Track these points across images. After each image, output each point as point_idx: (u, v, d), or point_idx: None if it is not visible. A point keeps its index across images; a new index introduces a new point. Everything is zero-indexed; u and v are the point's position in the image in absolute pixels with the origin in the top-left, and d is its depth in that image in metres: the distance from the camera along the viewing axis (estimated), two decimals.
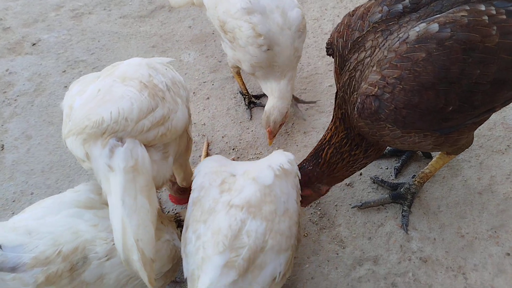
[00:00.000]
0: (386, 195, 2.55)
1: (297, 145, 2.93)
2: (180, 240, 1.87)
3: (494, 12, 1.64)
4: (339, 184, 2.53)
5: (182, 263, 1.81)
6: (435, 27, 1.64)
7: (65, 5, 4.07)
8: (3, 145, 3.04)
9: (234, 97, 3.24)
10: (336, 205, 2.59)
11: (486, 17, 1.63)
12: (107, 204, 1.63)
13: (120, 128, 1.58)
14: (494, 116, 2.51)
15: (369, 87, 1.73)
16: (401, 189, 2.50)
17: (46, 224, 1.66)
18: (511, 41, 1.61)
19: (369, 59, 1.81)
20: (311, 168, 2.14)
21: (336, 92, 2.05)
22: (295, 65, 2.72)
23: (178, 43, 3.68)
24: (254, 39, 2.47)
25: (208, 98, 3.25)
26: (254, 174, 1.84)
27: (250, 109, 3.14)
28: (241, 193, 1.76)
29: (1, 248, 1.55)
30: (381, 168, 2.74)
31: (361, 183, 2.68)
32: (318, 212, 2.57)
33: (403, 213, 2.47)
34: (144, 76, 1.77)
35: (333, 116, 2.08)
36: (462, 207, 2.51)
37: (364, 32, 1.88)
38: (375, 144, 2.06)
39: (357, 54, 1.87)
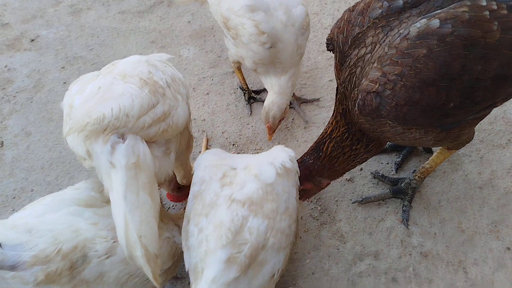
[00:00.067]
0: (387, 190, 2.55)
1: (297, 140, 2.92)
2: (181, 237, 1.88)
3: (495, 7, 1.64)
4: (339, 179, 2.53)
5: (183, 259, 1.82)
6: (436, 23, 1.63)
7: (63, 0, 4.04)
8: (2, 142, 3.04)
9: (234, 93, 3.24)
10: (336, 201, 2.59)
11: (487, 13, 1.62)
12: (107, 202, 1.63)
13: (121, 125, 1.58)
14: (494, 111, 2.51)
15: (370, 83, 1.73)
16: (402, 184, 2.51)
17: (46, 222, 1.66)
18: None
19: (369, 55, 1.80)
20: (312, 161, 2.14)
21: (337, 87, 2.04)
22: (298, 62, 2.71)
23: (178, 38, 3.66)
24: (257, 36, 2.45)
25: (207, 94, 3.24)
26: (256, 171, 1.84)
27: (250, 105, 3.13)
28: (243, 189, 1.76)
29: (1, 247, 1.56)
30: (382, 163, 2.74)
31: (362, 178, 2.67)
32: (319, 208, 2.57)
33: (403, 208, 2.47)
34: (144, 73, 1.76)
35: (334, 111, 2.08)
36: (463, 201, 2.51)
37: (364, 28, 1.87)
38: (376, 140, 2.06)
39: (357, 50, 1.86)
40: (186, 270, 1.75)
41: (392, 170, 2.70)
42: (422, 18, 1.69)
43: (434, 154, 2.39)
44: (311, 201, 2.59)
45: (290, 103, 2.96)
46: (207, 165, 1.92)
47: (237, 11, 2.47)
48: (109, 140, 1.57)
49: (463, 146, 2.22)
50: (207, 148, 2.89)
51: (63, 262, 1.59)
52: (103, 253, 1.66)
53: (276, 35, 2.47)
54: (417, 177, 2.47)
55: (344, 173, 2.26)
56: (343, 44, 1.97)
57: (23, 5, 4.02)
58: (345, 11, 2.05)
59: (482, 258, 2.30)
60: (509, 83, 1.69)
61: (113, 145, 1.57)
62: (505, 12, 1.63)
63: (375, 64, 1.74)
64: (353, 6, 2.01)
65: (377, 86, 1.70)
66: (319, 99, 3.11)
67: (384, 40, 1.76)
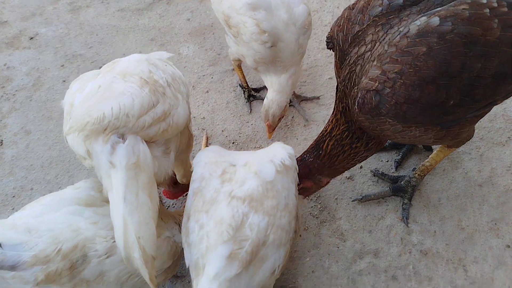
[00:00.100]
0: (387, 188, 2.55)
1: (297, 138, 2.92)
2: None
3: (495, 4, 1.63)
4: (339, 178, 2.53)
5: (183, 258, 1.82)
6: (436, 20, 1.62)
7: None
8: (2, 140, 3.04)
9: (234, 90, 3.23)
10: (336, 199, 2.59)
11: (487, 10, 1.62)
12: (107, 201, 1.62)
13: (121, 124, 1.57)
14: (494, 108, 2.50)
15: (370, 81, 1.72)
16: (402, 182, 2.50)
17: (45, 222, 1.66)
18: None
19: (369, 53, 1.79)
20: (312, 159, 2.15)
21: (337, 86, 2.04)
22: (299, 61, 2.70)
23: (177, 36, 3.65)
24: (258, 35, 2.44)
25: (207, 92, 3.24)
26: (255, 168, 1.84)
27: (250, 103, 3.12)
28: (243, 186, 1.77)
29: (1, 247, 1.55)
30: (382, 161, 2.74)
31: (362, 176, 2.67)
32: (319, 206, 2.57)
33: (403, 206, 2.47)
34: (144, 72, 1.76)
35: (334, 109, 2.07)
36: (463, 199, 2.51)
37: (364, 26, 1.86)
38: (376, 138, 2.06)
39: (357, 48, 1.86)
40: (187, 266, 1.75)
41: (392, 168, 2.70)
42: (422, 16, 1.69)
43: (434, 152, 2.39)
44: (311, 199, 2.59)
45: (290, 101, 2.95)
46: (206, 162, 1.92)
47: (238, 9, 2.46)
48: (109, 140, 1.57)
49: (463, 144, 2.22)
50: (206, 146, 2.89)
51: (63, 261, 1.58)
52: (103, 252, 1.65)
53: (277, 34, 2.46)
54: (417, 175, 2.46)
55: (344, 171, 2.26)
56: (343, 42, 1.97)
57: (22, 2, 4.01)
58: (345, 9, 2.05)
59: (482, 256, 2.30)
60: (509, 81, 1.68)
61: (113, 145, 1.57)
62: (506, 9, 1.62)
63: (375, 62, 1.74)
64: (353, 4, 2.00)
65: (376, 84, 1.70)
66: (319, 97, 3.11)
67: (384, 38, 1.75)
